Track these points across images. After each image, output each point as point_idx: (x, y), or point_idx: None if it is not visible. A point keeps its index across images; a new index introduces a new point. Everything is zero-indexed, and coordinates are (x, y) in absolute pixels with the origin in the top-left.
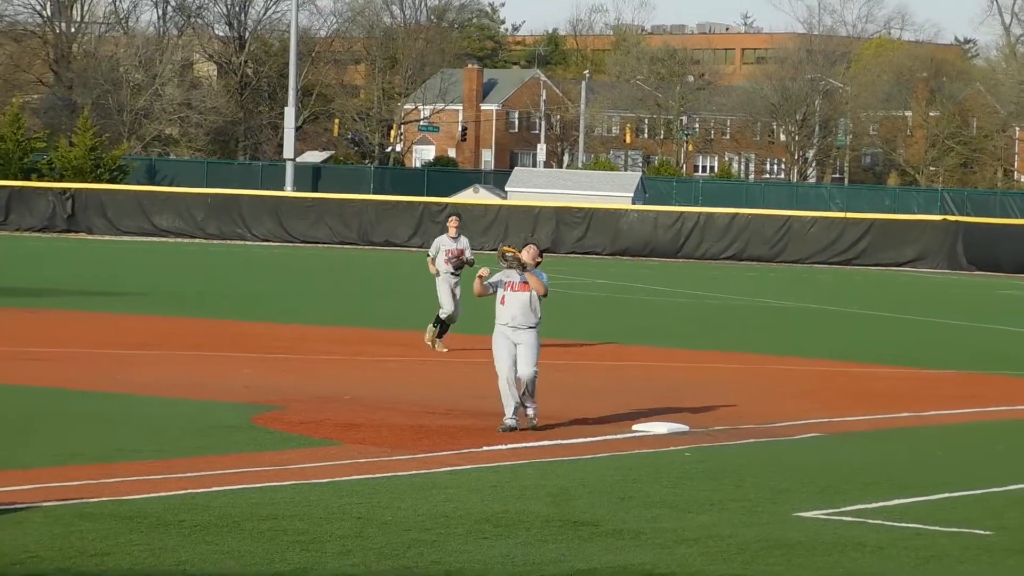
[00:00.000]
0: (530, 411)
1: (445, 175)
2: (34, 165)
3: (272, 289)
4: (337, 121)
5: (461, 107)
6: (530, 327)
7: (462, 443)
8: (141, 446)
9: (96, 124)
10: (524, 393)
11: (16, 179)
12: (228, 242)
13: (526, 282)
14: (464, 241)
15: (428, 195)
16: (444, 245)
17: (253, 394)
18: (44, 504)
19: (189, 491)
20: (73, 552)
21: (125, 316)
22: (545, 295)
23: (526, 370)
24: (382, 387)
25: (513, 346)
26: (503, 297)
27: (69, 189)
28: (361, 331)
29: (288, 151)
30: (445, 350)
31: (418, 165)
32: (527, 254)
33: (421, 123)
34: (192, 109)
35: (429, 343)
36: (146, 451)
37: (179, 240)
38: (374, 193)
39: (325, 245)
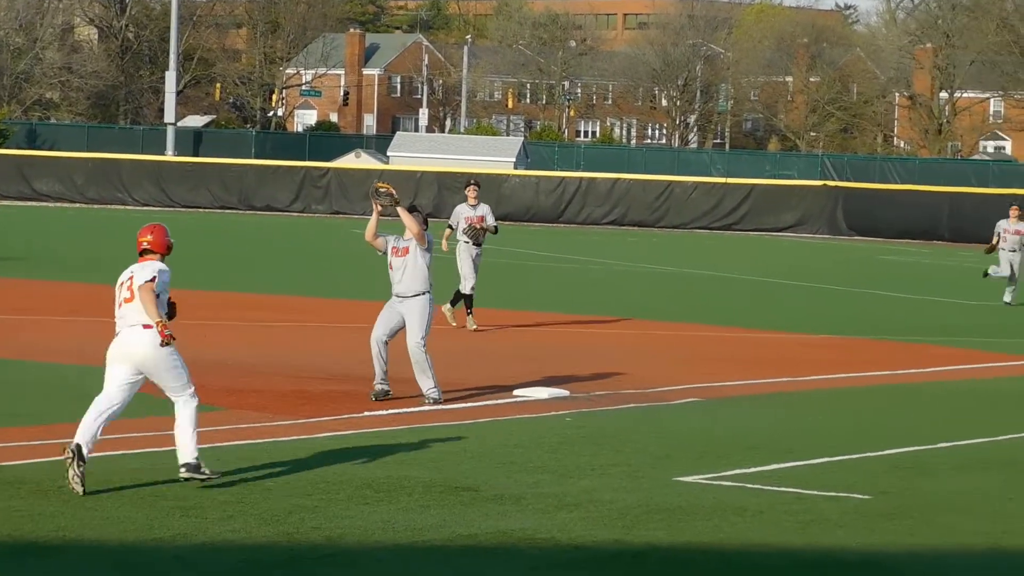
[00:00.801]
0: (424, 390)
1: (327, 140)
2: None
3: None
4: (218, 85)
5: (343, 72)
6: (416, 295)
7: (344, 408)
8: (20, 411)
9: None
10: (415, 371)
11: None
12: (109, 207)
13: (407, 247)
14: (484, 208)
15: (309, 160)
16: (463, 213)
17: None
18: None
19: None
20: None
21: (4, 280)
22: (420, 236)
23: (408, 342)
24: (265, 352)
25: (396, 315)
26: (389, 262)
27: None
28: (244, 296)
29: (169, 115)
30: (475, 327)
31: (300, 130)
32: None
33: (303, 88)
34: (73, 73)
35: (452, 321)
36: (25, 416)
37: (60, 205)
38: (255, 158)
39: (206, 210)
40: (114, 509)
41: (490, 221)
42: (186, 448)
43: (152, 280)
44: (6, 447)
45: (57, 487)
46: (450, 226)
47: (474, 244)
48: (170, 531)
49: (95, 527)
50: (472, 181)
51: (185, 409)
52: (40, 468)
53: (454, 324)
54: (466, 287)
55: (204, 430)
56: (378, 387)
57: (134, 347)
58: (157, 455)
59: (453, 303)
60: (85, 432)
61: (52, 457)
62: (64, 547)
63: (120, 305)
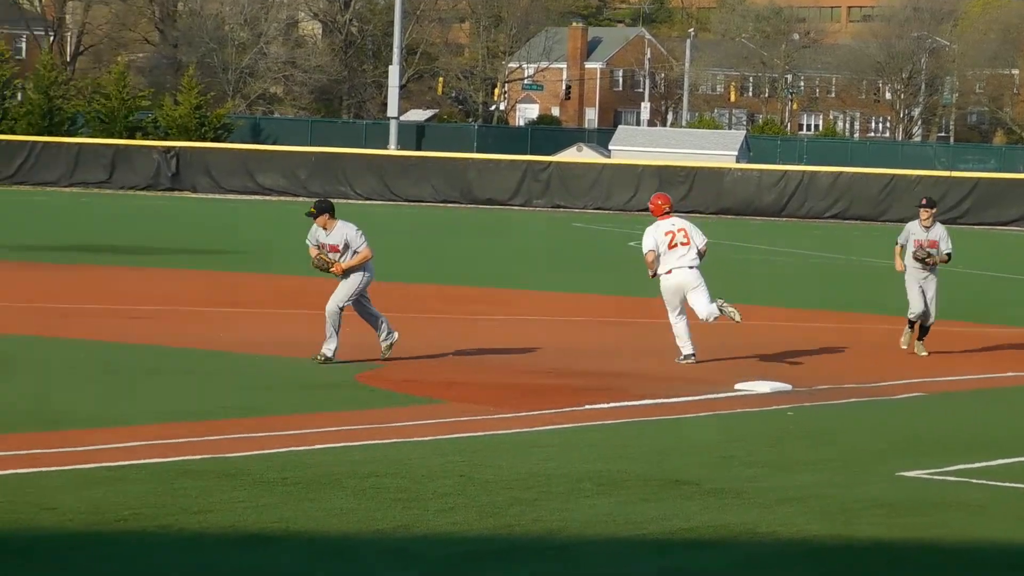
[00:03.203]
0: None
1: (548, 133)
2: (139, 123)
3: (375, 248)
4: (441, 79)
5: (565, 65)
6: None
7: (562, 402)
8: (244, 404)
9: (201, 82)
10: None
11: (121, 137)
12: (332, 200)
13: (335, 244)
14: (939, 230)
15: (531, 154)
16: (914, 235)
17: (356, 351)
18: (146, 461)
19: (291, 448)
20: (175, 509)
21: (228, 274)
22: (368, 258)
23: (330, 303)
24: (484, 345)
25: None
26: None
27: (174, 147)
28: (464, 289)
29: (392, 109)
30: (925, 353)
31: (521, 124)
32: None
33: (525, 82)
34: (296, 68)
35: (904, 346)
36: (248, 408)
37: (283, 199)
38: (477, 152)
39: (428, 204)
40: (335, 500)
41: (944, 248)
42: None
43: None
44: (230, 439)
45: (280, 478)
46: (899, 243)
47: (924, 268)
48: (391, 522)
49: (316, 518)
50: (925, 202)
51: None
52: (263, 460)
53: (904, 348)
54: (911, 312)
55: (424, 423)
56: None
57: None
58: (378, 447)
59: (910, 325)
60: None
61: (275, 449)
62: (286, 538)
63: None
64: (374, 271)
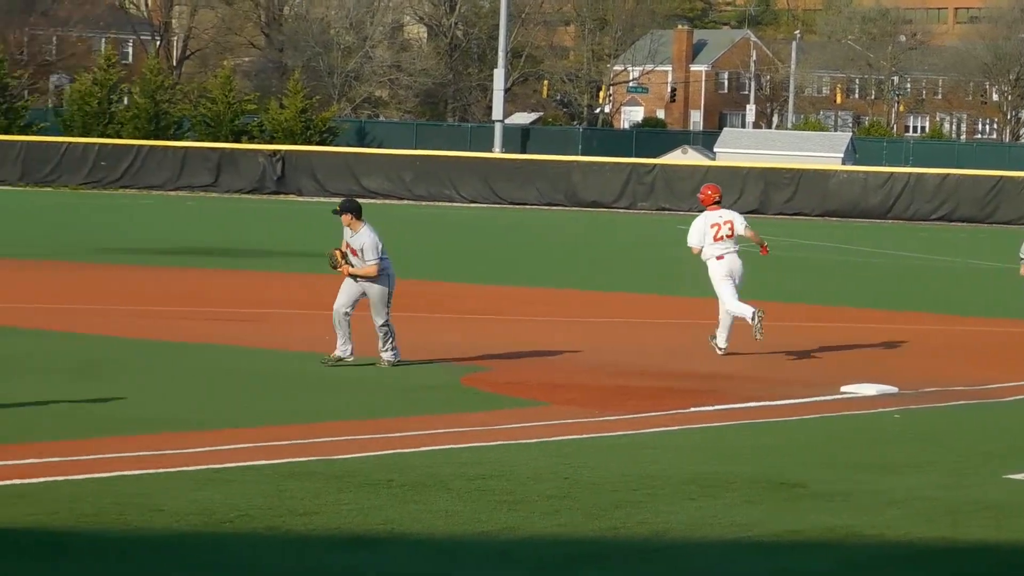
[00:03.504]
0: (383, 355)
1: (653, 136)
2: (245, 127)
3: (478, 250)
4: (546, 83)
5: (670, 68)
6: (371, 281)
7: (667, 404)
8: (349, 406)
9: (306, 86)
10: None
11: (227, 141)
12: (436, 203)
13: (355, 248)
14: None
15: (636, 156)
16: None
17: (461, 354)
18: (252, 463)
19: (398, 451)
20: (282, 511)
21: (333, 277)
22: (373, 274)
23: (374, 320)
24: (588, 348)
25: (356, 288)
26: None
27: (279, 151)
28: (570, 292)
29: (497, 112)
30: None
31: (626, 126)
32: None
33: (630, 84)
34: (402, 71)
35: None
36: (354, 411)
37: (387, 201)
38: (582, 154)
39: (533, 207)
40: (441, 502)
41: None
42: None
43: None
44: (336, 441)
45: (387, 480)
46: (1020, 256)
47: None
48: (496, 524)
49: (422, 520)
50: None
51: None
52: (369, 462)
53: None
54: None
55: (529, 425)
56: (335, 354)
57: None
58: (483, 449)
59: None
60: None
61: (381, 451)
62: (392, 539)
63: None
64: (394, 281)
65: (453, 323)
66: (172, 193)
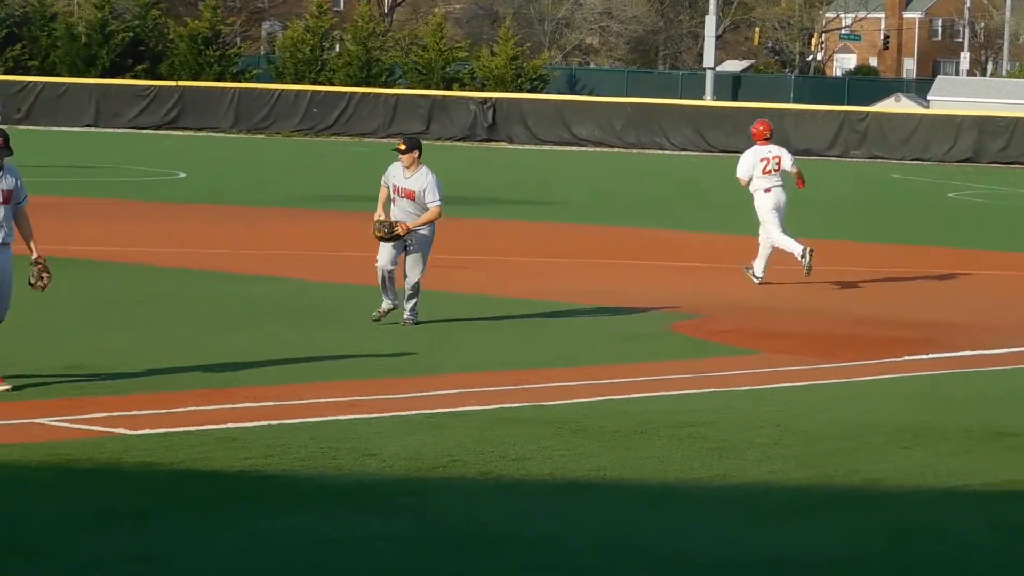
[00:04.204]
0: (405, 314)
1: (866, 84)
2: (456, 75)
3: (689, 199)
4: (758, 30)
5: (883, 15)
6: (423, 229)
7: (880, 352)
8: (560, 353)
9: (517, 34)
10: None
11: (438, 88)
12: (647, 151)
13: (412, 190)
14: None
15: (848, 104)
16: None
17: (673, 302)
18: (464, 409)
19: (609, 397)
20: (494, 456)
21: (545, 224)
22: (437, 217)
23: (409, 275)
24: (802, 297)
25: (397, 246)
26: (393, 199)
27: (490, 99)
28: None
29: (708, 60)
30: None
31: (839, 74)
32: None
33: (842, 32)
34: (613, 19)
35: None
36: (565, 358)
37: (598, 149)
38: (794, 102)
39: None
40: (652, 449)
41: None
42: None
43: None
44: (548, 387)
45: (598, 426)
46: None
47: None
48: (709, 471)
49: (634, 466)
50: None
51: None
52: (581, 408)
53: None
54: None
55: (741, 373)
56: (379, 310)
57: None
58: (694, 397)
59: None
60: None
61: (592, 397)
62: (604, 485)
63: None
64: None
65: (666, 270)
66: (384, 140)
